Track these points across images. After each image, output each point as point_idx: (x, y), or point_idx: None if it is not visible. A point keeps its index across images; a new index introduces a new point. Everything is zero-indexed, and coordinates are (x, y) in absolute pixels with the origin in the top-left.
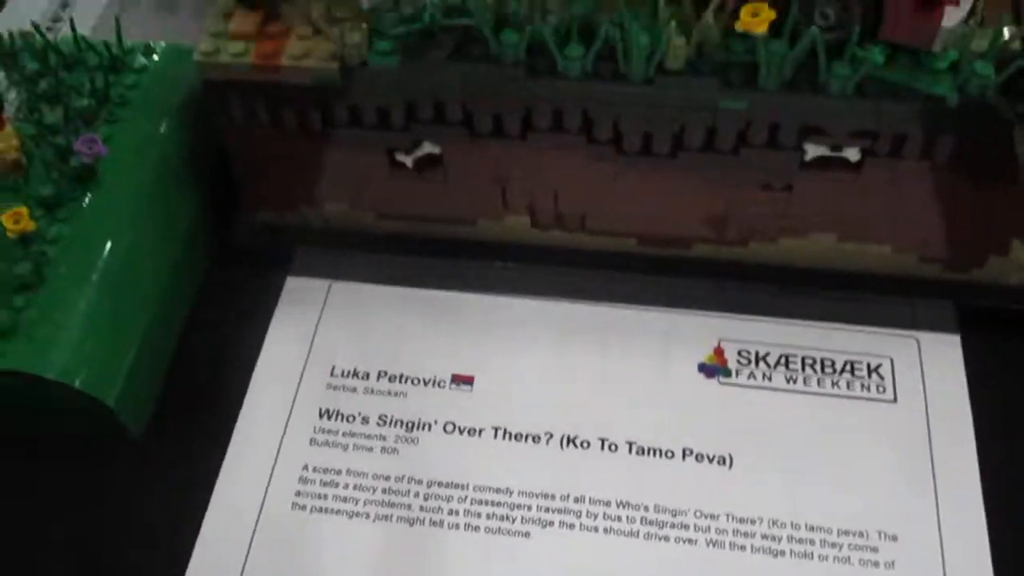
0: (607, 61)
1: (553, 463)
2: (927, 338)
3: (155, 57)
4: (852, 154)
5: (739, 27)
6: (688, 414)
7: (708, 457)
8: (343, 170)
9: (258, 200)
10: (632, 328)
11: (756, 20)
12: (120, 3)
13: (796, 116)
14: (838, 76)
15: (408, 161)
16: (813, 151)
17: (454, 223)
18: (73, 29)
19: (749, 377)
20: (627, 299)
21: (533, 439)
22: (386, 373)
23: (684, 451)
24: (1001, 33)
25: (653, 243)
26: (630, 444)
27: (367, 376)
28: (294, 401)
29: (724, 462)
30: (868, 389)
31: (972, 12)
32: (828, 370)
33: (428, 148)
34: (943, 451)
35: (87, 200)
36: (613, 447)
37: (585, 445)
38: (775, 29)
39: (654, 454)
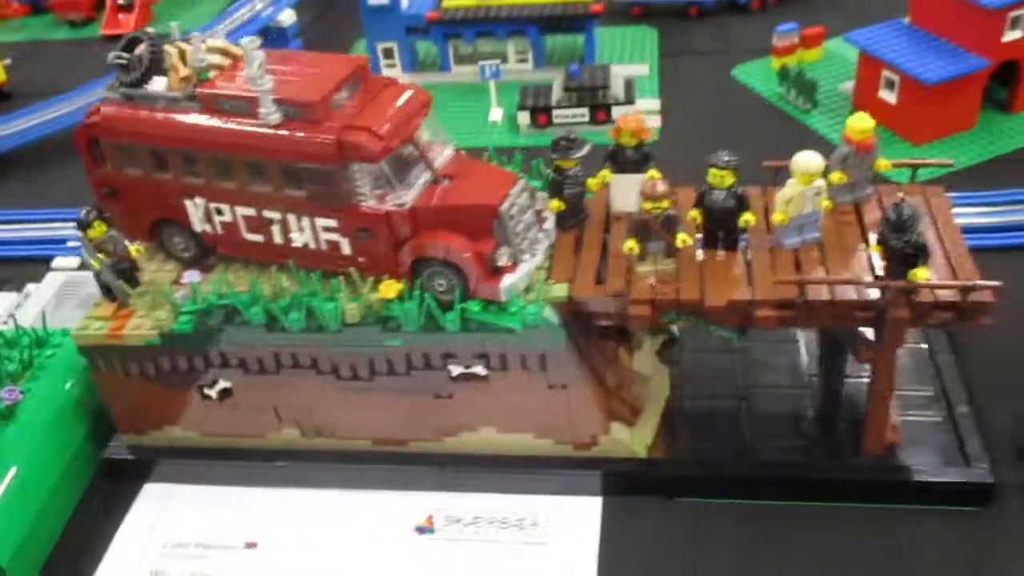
0: (315, 319)
1: None
2: (575, 500)
3: (68, 337)
4: (480, 370)
5: (379, 295)
6: (406, 563)
7: None
8: (172, 403)
9: (126, 426)
10: (372, 504)
11: (389, 289)
12: (55, 301)
13: (435, 347)
14: (449, 321)
15: (212, 394)
16: (455, 369)
17: (249, 437)
18: (15, 321)
19: (451, 535)
20: (369, 485)
21: None
22: (201, 543)
23: None
24: (552, 289)
25: (382, 443)
26: None
27: (188, 545)
28: (136, 563)
29: None
30: (533, 539)
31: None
32: (505, 526)
33: (223, 383)
34: None
35: (5, 431)
36: None
37: None
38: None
39: None
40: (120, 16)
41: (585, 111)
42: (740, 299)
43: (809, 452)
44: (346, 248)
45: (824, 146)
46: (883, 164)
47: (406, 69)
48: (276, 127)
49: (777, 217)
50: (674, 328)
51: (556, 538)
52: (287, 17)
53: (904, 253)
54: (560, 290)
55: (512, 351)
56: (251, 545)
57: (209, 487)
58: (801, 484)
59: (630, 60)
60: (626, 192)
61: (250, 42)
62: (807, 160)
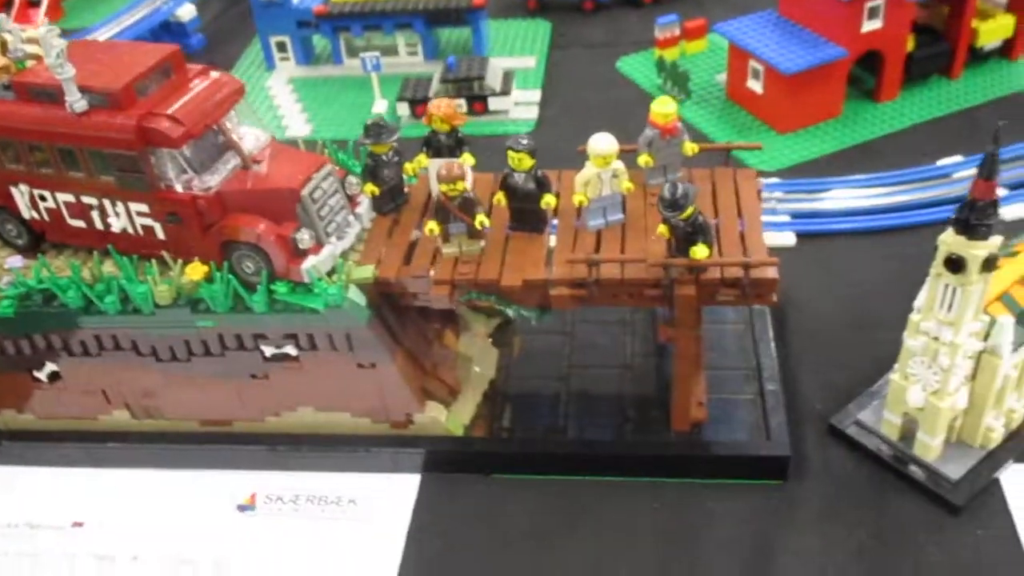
0: (130, 302)
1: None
2: (395, 478)
3: None
4: (291, 350)
5: (185, 276)
6: (227, 540)
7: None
8: (6, 387)
9: None
10: (198, 483)
11: (194, 271)
12: None
13: (246, 328)
14: (256, 302)
15: (42, 377)
16: (267, 350)
17: (82, 419)
18: None
19: (271, 513)
20: (195, 465)
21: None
22: (28, 523)
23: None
24: (357, 270)
25: (209, 423)
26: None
27: (16, 525)
28: None
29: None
30: (349, 516)
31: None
32: (324, 503)
33: (51, 367)
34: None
35: None
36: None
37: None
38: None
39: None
40: (29, 11)
41: (463, 102)
42: (534, 279)
43: (620, 429)
44: (160, 233)
45: (696, 135)
46: (690, 148)
47: (300, 62)
48: (81, 115)
49: (576, 199)
50: (509, 311)
51: (372, 515)
52: (187, 12)
53: (684, 232)
54: (365, 271)
55: (319, 331)
56: (77, 524)
57: (41, 468)
58: (609, 460)
59: (520, 53)
60: None
61: (48, 31)
62: (600, 143)
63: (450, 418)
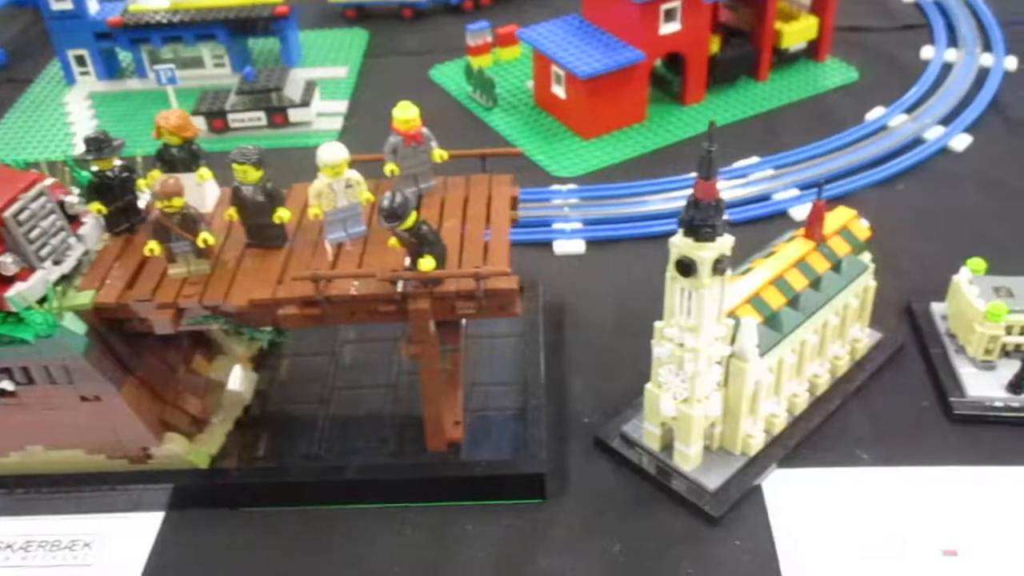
0: None
1: None
2: (134, 517)
3: None
4: (7, 385)
5: None
6: None
7: None
8: None
9: None
10: None
11: None
12: None
13: None
14: None
15: None
16: None
17: None
18: None
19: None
20: None
21: None
22: None
23: None
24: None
25: None
26: None
27: None
28: None
29: None
30: (80, 561)
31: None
32: (56, 549)
33: None
34: None
35: None
36: None
37: None
38: None
39: None
40: None
41: (262, 115)
42: (261, 298)
43: (376, 453)
44: None
45: (502, 142)
46: (439, 155)
47: (102, 76)
48: None
49: (311, 212)
50: (245, 333)
51: (106, 559)
52: None
53: (410, 243)
54: (84, 297)
55: (33, 364)
56: None
57: None
58: (362, 486)
59: (334, 62)
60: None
61: None
62: (327, 152)
63: (194, 450)
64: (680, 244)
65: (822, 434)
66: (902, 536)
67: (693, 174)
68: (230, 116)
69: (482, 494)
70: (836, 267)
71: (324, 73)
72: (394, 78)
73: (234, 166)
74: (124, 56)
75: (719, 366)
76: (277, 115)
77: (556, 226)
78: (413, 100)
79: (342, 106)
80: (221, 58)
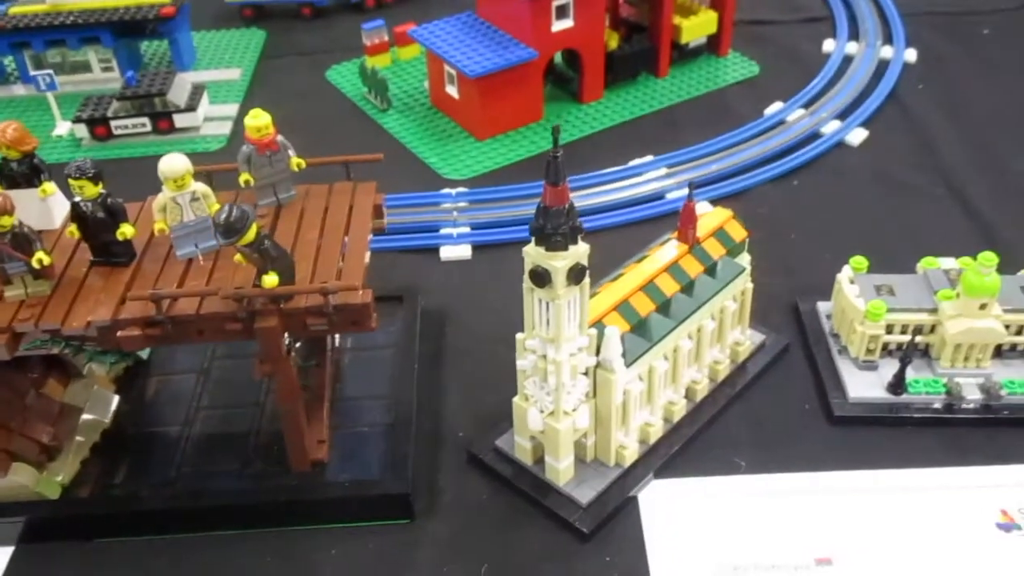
0: None
1: None
2: None
3: None
4: None
5: None
6: None
7: None
8: None
9: None
10: None
11: None
12: None
13: None
14: None
15: None
16: None
17: None
18: None
19: None
20: None
21: None
22: None
23: None
24: None
25: None
26: None
27: None
28: None
29: None
30: None
31: None
32: None
33: None
34: None
35: None
36: None
37: None
38: None
39: None
40: None
41: (146, 120)
42: (101, 320)
43: (239, 476)
44: None
45: (396, 145)
46: (296, 163)
47: None
48: None
49: (156, 227)
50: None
51: None
52: None
53: (254, 259)
54: None
55: None
56: None
57: None
58: (220, 512)
59: (229, 64)
60: (25, 208)
61: None
62: (166, 164)
63: (44, 480)
64: (533, 253)
65: (701, 442)
66: (775, 546)
67: (590, 173)
68: (113, 123)
69: (347, 516)
70: (710, 270)
71: (217, 76)
72: (290, 80)
73: (70, 181)
74: (10, 61)
75: (585, 377)
76: (162, 120)
77: (444, 231)
78: (308, 102)
79: (232, 110)
80: (109, 62)
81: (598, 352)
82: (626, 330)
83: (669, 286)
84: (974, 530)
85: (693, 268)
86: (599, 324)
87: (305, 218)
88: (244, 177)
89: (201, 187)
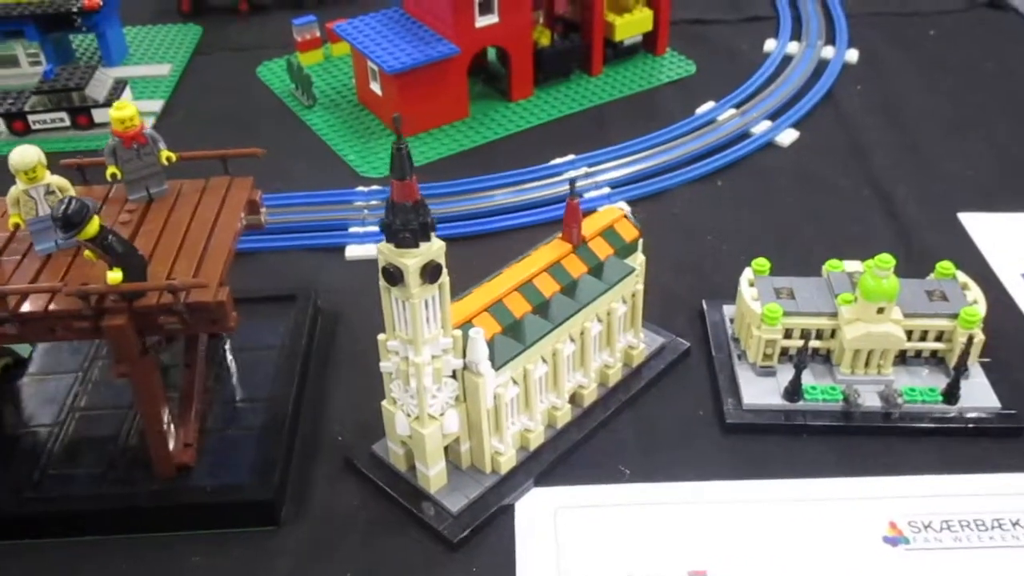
0: None
1: None
2: None
3: None
4: None
5: None
6: None
7: None
8: None
9: None
10: None
11: None
12: None
13: None
14: None
15: None
16: None
17: None
18: None
19: None
20: None
21: None
22: None
23: None
24: None
25: None
26: None
27: None
28: None
29: None
30: None
31: None
32: None
33: None
34: None
35: None
36: None
37: None
38: None
39: None
40: None
41: (64, 115)
42: None
43: (101, 480)
44: None
45: (317, 142)
46: (165, 156)
47: None
48: None
49: (11, 222)
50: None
51: None
52: None
53: (100, 254)
54: None
55: None
56: None
57: None
58: (76, 518)
59: (162, 59)
60: None
61: None
62: (17, 156)
63: None
64: (385, 251)
65: (587, 449)
66: (650, 557)
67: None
68: (30, 117)
69: (211, 523)
70: (596, 271)
71: (145, 71)
72: (219, 76)
73: None
74: None
75: (453, 380)
76: (81, 116)
77: (352, 229)
78: (235, 98)
79: (156, 106)
80: (37, 56)
81: (465, 354)
82: (497, 332)
83: (548, 286)
84: (860, 544)
85: (576, 268)
86: (466, 325)
87: (174, 214)
88: (111, 171)
89: (57, 179)
